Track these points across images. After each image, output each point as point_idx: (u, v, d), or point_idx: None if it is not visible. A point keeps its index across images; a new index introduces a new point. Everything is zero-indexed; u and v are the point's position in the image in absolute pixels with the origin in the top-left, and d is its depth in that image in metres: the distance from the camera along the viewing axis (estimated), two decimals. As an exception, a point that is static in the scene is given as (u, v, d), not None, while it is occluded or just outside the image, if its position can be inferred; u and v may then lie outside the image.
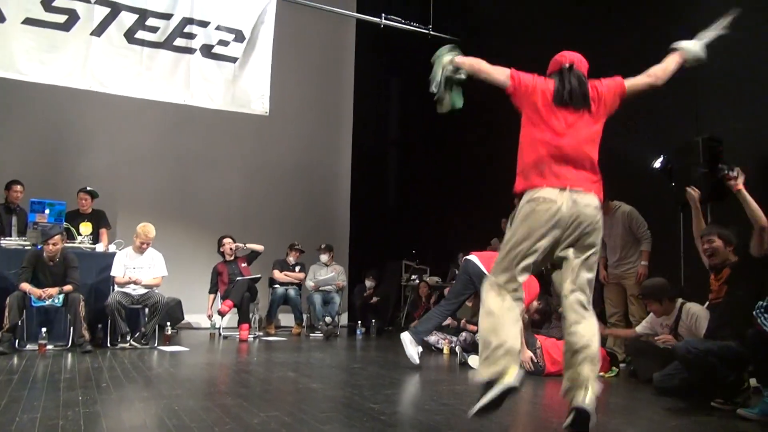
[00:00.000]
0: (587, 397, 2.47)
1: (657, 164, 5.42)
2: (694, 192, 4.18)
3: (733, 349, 3.45)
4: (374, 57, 10.33)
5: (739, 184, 3.60)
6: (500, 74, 2.84)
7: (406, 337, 5.09)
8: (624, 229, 5.35)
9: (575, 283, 2.66)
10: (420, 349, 5.14)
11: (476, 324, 6.18)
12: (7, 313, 5.34)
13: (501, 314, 2.62)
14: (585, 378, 2.53)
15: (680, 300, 4.34)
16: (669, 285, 4.45)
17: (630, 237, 5.36)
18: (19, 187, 6.57)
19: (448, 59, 3.00)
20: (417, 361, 5.00)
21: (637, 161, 5.76)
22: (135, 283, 6.11)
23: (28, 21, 6.17)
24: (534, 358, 4.84)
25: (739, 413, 3.33)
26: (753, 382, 3.54)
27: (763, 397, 3.31)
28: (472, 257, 5.17)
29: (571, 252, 2.67)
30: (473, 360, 5.13)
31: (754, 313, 3.35)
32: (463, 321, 6.43)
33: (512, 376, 2.49)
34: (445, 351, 6.15)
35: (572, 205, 2.62)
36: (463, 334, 6.16)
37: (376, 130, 10.82)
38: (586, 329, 2.60)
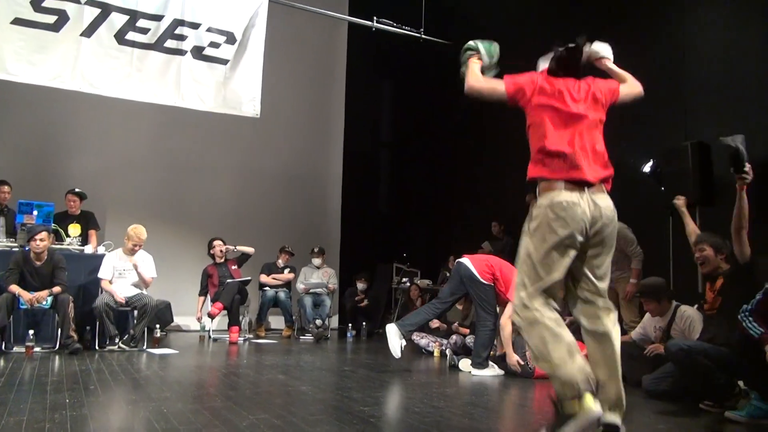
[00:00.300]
0: (616, 414, 2.45)
1: (646, 168, 5.46)
2: (679, 200, 4.30)
3: (725, 352, 3.48)
4: (366, 60, 10.35)
5: (747, 182, 3.69)
6: (496, 94, 2.75)
7: (391, 328, 5.05)
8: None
9: (593, 281, 2.61)
10: (404, 342, 5.09)
11: (467, 327, 6.24)
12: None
13: (549, 324, 2.44)
14: (617, 395, 2.52)
15: (675, 302, 4.37)
16: (666, 285, 4.49)
17: (621, 253, 5.36)
18: (6, 188, 6.53)
19: (464, 58, 2.94)
20: (399, 354, 4.96)
21: (626, 165, 5.81)
22: (120, 303, 6.04)
23: (17, 21, 6.12)
24: (521, 361, 4.86)
25: (727, 416, 3.35)
26: (742, 384, 3.57)
27: (750, 399, 3.34)
28: (465, 260, 5.19)
29: (589, 252, 2.60)
30: (464, 363, 5.14)
31: (739, 316, 3.38)
32: (454, 324, 6.44)
33: (591, 403, 2.29)
34: (436, 354, 6.15)
35: (594, 207, 2.55)
36: (454, 337, 6.17)
37: (367, 133, 10.84)
38: (607, 325, 2.57)
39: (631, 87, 2.85)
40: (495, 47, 2.94)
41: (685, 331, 4.16)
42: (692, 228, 4.17)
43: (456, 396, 4.13)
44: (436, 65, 9.29)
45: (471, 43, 2.96)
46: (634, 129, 5.77)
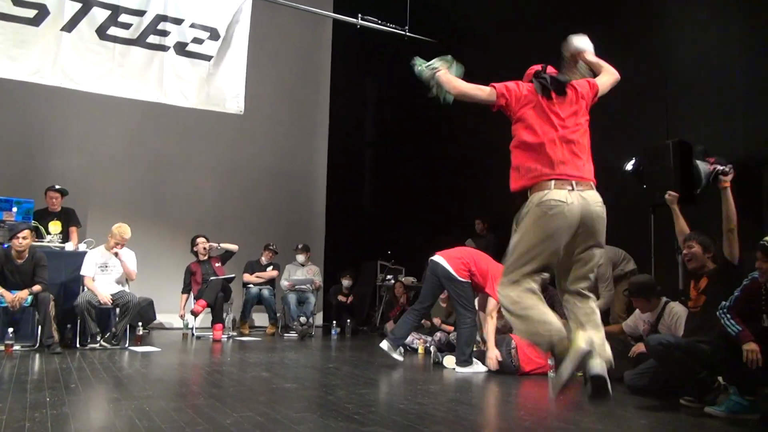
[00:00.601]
0: (598, 365, 2.48)
1: (629, 167, 5.52)
2: (670, 196, 4.33)
3: (704, 349, 3.54)
4: (351, 57, 10.33)
5: (728, 181, 3.76)
6: (484, 94, 2.83)
7: (385, 345, 5.18)
8: None
9: (580, 273, 2.68)
10: (402, 350, 5.32)
11: (451, 324, 6.26)
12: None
13: (530, 302, 2.59)
14: (600, 341, 2.55)
15: (664, 299, 4.42)
16: (655, 283, 4.54)
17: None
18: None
19: (428, 74, 3.00)
20: (402, 357, 5.26)
21: (609, 163, 5.86)
22: (104, 303, 5.98)
23: (-7, 15, 6.02)
24: (501, 356, 4.88)
25: (707, 411, 3.41)
26: (722, 380, 3.63)
27: (729, 395, 3.39)
28: (437, 258, 5.22)
29: (578, 247, 2.66)
30: (448, 360, 5.16)
31: (717, 313, 3.43)
32: (437, 320, 6.47)
33: (581, 341, 2.47)
34: (420, 351, 6.17)
35: (583, 203, 2.61)
36: (438, 334, 6.19)
37: (351, 131, 10.82)
38: (588, 304, 2.64)
39: (608, 76, 2.96)
40: (445, 58, 3.01)
41: (672, 326, 4.22)
42: (682, 227, 4.22)
43: (440, 392, 4.15)
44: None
45: (424, 64, 3.03)
46: (617, 127, 5.83)
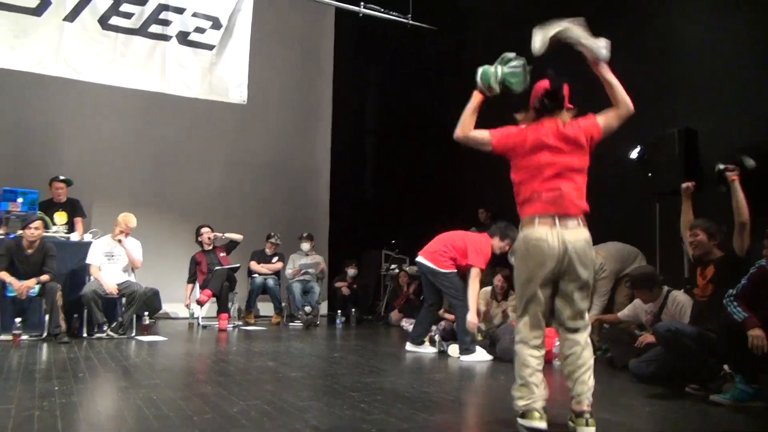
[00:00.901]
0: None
1: (634, 155, 5.49)
2: (686, 185, 4.29)
3: (711, 337, 3.54)
4: (353, 46, 10.28)
5: (734, 175, 3.75)
6: (482, 141, 2.91)
7: (411, 347, 5.38)
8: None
9: (571, 309, 2.71)
10: (427, 344, 5.42)
11: (453, 313, 6.28)
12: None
13: (532, 367, 2.72)
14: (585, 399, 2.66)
15: (666, 288, 4.42)
16: (657, 273, 4.54)
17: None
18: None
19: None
20: (435, 349, 5.36)
21: (613, 151, 5.83)
22: (111, 293, 6.01)
23: (-4, 5, 6.00)
24: (478, 323, 5.06)
25: (713, 399, 3.41)
26: (727, 368, 3.63)
27: (735, 383, 3.40)
28: (419, 258, 5.37)
29: (566, 281, 2.69)
30: (452, 349, 5.18)
31: (724, 301, 3.43)
32: (441, 311, 6.47)
33: (539, 422, 2.63)
34: (425, 340, 6.17)
35: (562, 242, 2.63)
36: (442, 323, 6.20)
37: (355, 120, 10.80)
38: (581, 353, 2.69)
39: (618, 110, 2.79)
40: (490, 75, 2.88)
41: (676, 315, 4.22)
42: (689, 218, 4.20)
43: (445, 381, 4.17)
44: (423, 51, 9.27)
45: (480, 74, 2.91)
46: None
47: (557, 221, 2.66)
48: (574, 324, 2.71)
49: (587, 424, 2.59)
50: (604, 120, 2.79)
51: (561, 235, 2.64)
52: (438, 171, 9.08)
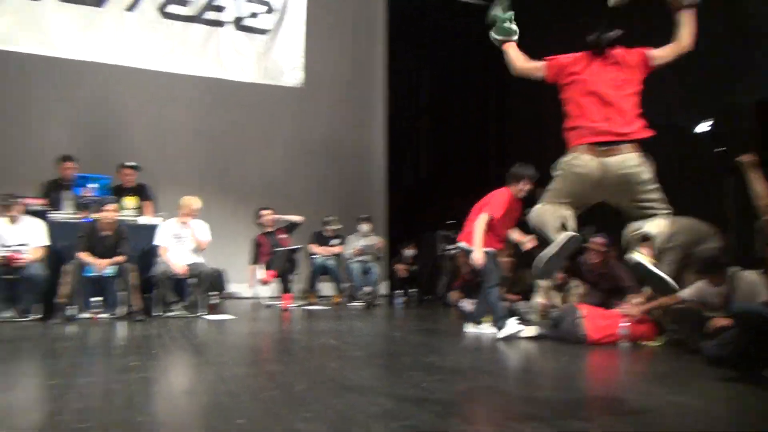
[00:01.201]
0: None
1: (704, 128, 5.24)
2: (746, 158, 4.07)
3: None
4: (405, 25, 10.16)
5: None
6: (536, 70, 3.01)
7: (470, 327, 5.22)
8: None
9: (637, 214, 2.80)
10: (487, 324, 5.21)
11: (516, 293, 6.21)
12: (64, 283, 5.57)
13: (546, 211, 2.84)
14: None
15: (735, 267, 4.22)
16: (724, 254, 4.34)
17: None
18: (70, 164, 6.70)
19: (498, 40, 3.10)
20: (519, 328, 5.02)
21: (683, 124, 5.58)
22: (179, 274, 6.24)
23: (65, -1, 6.28)
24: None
25: (792, 383, 3.25)
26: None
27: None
28: (461, 243, 5.32)
29: (625, 201, 2.80)
30: (510, 327, 5.11)
31: None
32: (503, 291, 6.41)
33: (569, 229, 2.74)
34: (485, 319, 6.14)
35: (604, 169, 2.73)
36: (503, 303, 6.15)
37: (409, 100, 10.71)
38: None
39: (675, 46, 2.87)
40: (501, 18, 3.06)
41: (750, 296, 4.03)
42: (763, 190, 3.98)
43: (508, 359, 4.14)
44: (474, 28, 9.06)
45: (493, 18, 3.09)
46: (693, 87, 5.53)
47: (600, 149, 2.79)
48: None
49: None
50: (661, 52, 2.89)
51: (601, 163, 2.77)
52: (495, 149, 8.94)
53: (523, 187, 5.02)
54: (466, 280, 8.09)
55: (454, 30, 9.42)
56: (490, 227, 5.03)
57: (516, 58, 3.03)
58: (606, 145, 2.74)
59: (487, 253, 5.02)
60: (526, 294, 6.19)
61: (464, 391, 3.09)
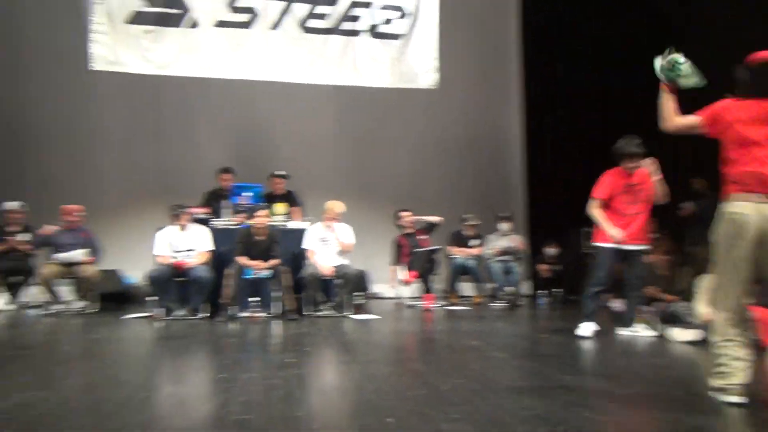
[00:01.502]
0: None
1: None
2: None
3: None
4: (539, 19, 9.82)
5: None
6: (693, 124, 2.90)
7: (622, 330, 5.04)
8: None
9: None
10: (641, 325, 5.02)
11: (672, 294, 5.77)
12: (227, 284, 6.11)
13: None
14: None
15: None
16: None
17: None
18: (227, 175, 7.34)
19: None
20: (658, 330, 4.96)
21: None
22: (327, 275, 6.53)
23: (218, 24, 6.91)
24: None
25: None
26: None
27: None
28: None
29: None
30: (674, 333, 4.77)
31: None
32: (654, 290, 5.99)
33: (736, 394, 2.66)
34: (637, 321, 5.77)
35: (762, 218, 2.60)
36: (658, 304, 5.74)
37: (547, 94, 10.32)
38: None
39: None
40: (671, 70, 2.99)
41: None
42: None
43: (663, 366, 3.87)
44: (611, 22, 8.59)
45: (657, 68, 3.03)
46: None
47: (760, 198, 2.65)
48: None
49: None
50: None
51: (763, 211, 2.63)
52: (642, 138, 8.34)
53: (628, 164, 4.90)
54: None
55: (593, 22, 8.98)
56: (609, 209, 4.95)
57: (668, 111, 2.95)
58: None
59: (600, 247, 4.93)
60: (686, 295, 5.71)
61: (618, 397, 2.94)
